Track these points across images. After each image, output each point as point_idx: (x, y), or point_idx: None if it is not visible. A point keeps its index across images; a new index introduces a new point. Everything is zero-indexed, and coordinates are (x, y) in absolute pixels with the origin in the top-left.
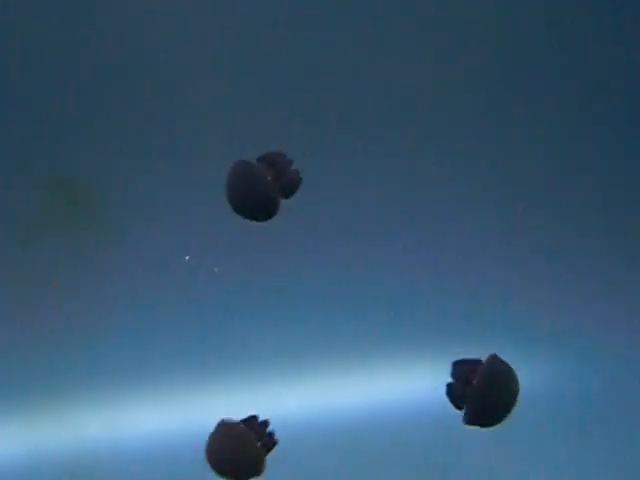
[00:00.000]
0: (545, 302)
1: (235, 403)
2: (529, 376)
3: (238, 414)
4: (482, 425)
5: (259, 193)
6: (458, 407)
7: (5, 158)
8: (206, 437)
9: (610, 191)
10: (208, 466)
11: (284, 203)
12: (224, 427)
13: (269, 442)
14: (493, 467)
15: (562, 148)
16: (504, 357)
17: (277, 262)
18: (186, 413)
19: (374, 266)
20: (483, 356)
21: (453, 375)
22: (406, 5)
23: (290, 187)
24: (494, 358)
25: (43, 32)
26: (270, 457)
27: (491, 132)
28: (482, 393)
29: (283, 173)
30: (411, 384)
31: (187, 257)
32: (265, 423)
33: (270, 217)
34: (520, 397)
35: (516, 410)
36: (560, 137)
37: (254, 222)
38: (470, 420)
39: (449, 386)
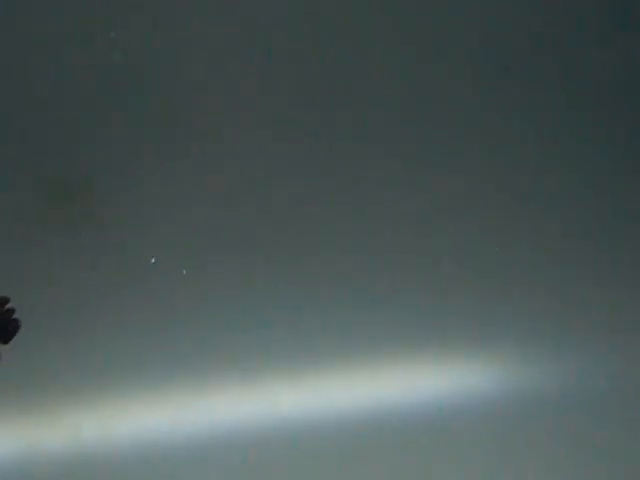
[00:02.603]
0: (547, 303)
1: (231, 403)
2: (531, 376)
3: (234, 414)
4: None
5: None
6: None
7: (4, 159)
8: (202, 437)
9: (612, 192)
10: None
11: None
12: None
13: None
14: (494, 467)
15: (564, 149)
16: (506, 357)
17: (279, 263)
18: (181, 413)
19: (373, 265)
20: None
21: None
22: (409, 4)
23: (9, 335)
24: None
25: (45, 35)
26: (267, 456)
27: (492, 134)
28: None
29: (3, 322)
30: (411, 384)
31: (153, 259)
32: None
33: None
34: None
35: (518, 411)
36: (563, 140)
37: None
38: None
39: None
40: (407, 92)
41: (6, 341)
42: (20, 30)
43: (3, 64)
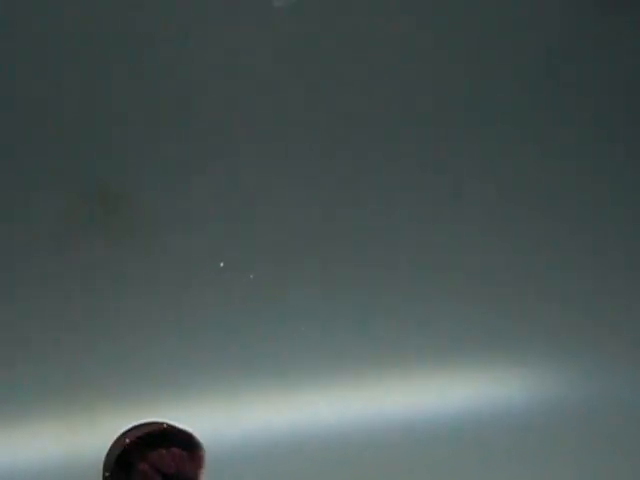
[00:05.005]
0: (551, 309)
1: (271, 409)
2: (534, 382)
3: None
4: None
5: None
6: None
7: (45, 168)
8: (245, 441)
9: (612, 192)
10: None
11: None
12: None
13: None
14: (496, 472)
15: (564, 149)
16: (510, 363)
17: (313, 272)
18: (223, 418)
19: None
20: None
21: None
22: (410, 4)
23: None
24: None
25: (78, 45)
26: (302, 462)
27: (493, 136)
28: None
29: None
30: (417, 392)
31: (222, 264)
32: None
33: None
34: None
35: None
36: (565, 144)
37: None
38: None
39: None
40: (407, 92)
41: None
42: (54, 40)
43: (56, 73)
